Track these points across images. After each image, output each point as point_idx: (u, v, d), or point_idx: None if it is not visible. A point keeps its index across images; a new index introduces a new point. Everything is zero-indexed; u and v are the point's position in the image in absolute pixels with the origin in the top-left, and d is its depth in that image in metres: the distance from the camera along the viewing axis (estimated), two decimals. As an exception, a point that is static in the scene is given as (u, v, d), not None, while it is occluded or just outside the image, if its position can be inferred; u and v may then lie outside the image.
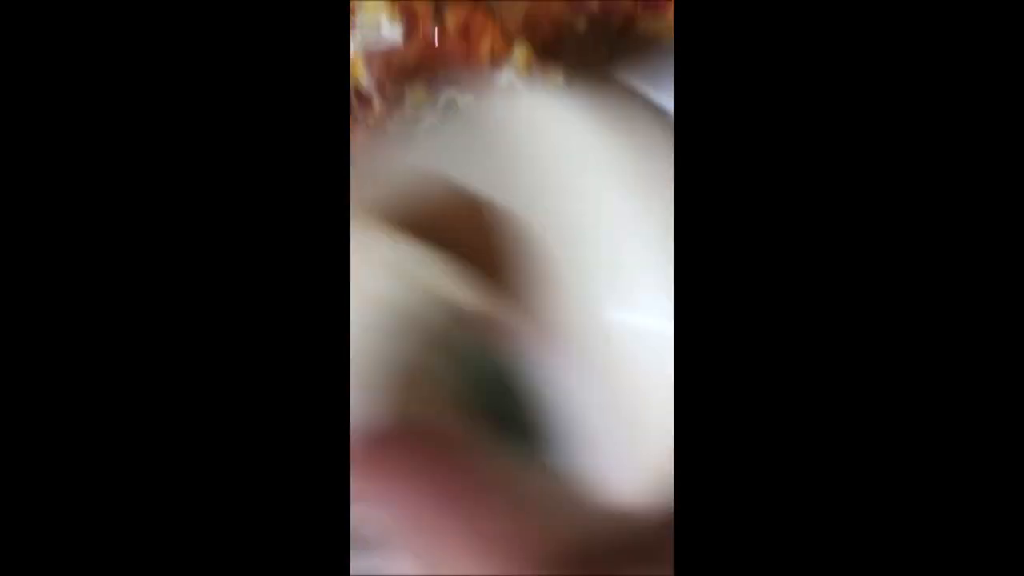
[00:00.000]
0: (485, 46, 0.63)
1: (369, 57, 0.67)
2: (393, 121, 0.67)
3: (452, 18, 0.64)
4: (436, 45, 0.65)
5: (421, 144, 0.56)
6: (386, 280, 0.40)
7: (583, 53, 0.58)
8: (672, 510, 0.29)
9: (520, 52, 0.61)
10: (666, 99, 0.47)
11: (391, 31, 0.67)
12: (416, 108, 0.65)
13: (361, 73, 0.68)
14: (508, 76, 0.61)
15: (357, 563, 0.33)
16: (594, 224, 0.38)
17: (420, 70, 0.66)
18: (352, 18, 0.65)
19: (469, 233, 0.38)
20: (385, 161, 0.52)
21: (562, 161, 0.44)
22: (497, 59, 0.62)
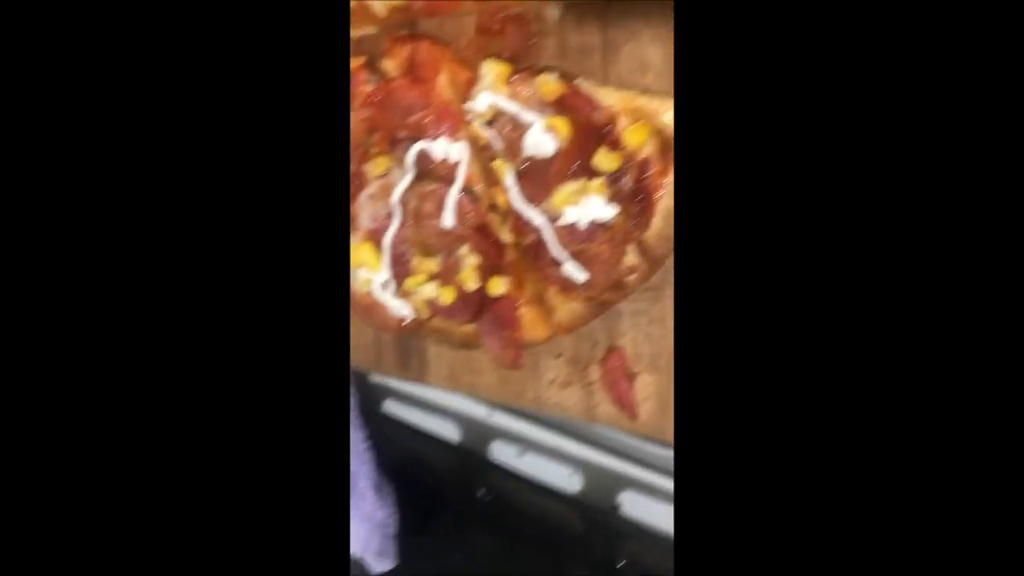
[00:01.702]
0: (443, 80, 0.53)
1: None
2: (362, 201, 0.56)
3: (391, 62, 0.54)
4: (379, 99, 0.54)
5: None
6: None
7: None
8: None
9: (491, 70, 0.50)
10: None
11: None
12: (383, 176, 0.55)
13: None
14: (486, 99, 0.50)
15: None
16: None
17: (373, 134, 0.55)
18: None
19: None
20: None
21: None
22: (463, 88, 0.52)
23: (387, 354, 0.67)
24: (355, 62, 0.57)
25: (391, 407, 0.83)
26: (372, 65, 0.57)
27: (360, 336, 0.67)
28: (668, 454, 0.66)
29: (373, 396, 0.84)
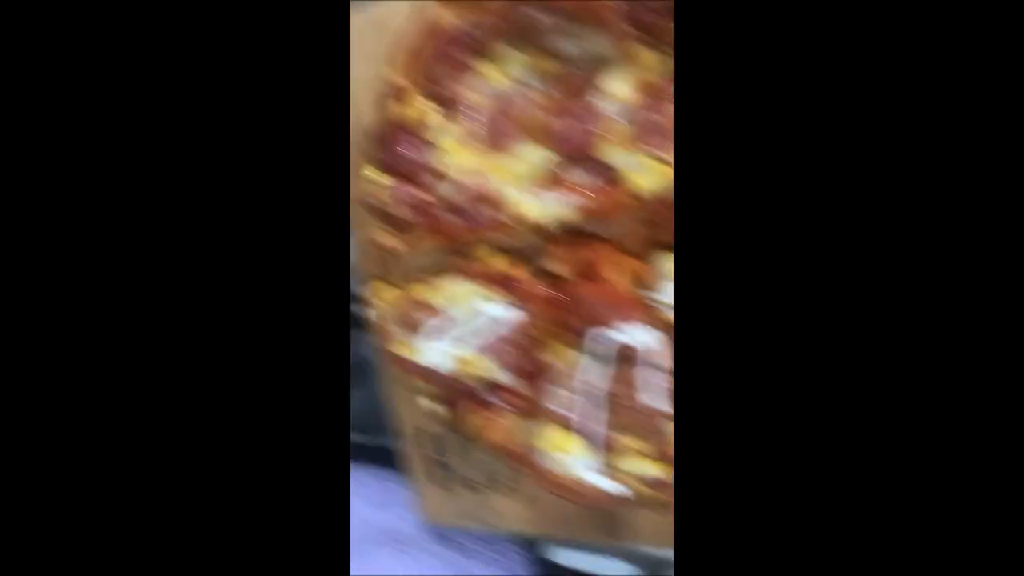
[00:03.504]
0: (623, 277, 0.54)
1: (490, 350, 0.58)
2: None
3: (560, 264, 0.56)
4: (558, 300, 0.55)
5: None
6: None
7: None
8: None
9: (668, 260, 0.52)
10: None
11: (499, 310, 0.58)
12: (573, 368, 0.56)
13: (484, 369, 0.58)
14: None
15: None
16: None
17: (559, 334, 0.57)
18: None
19: None
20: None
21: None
22: (641, 279, 0.54)
23: (584, 521, 0.65)
24: (519, 270, 0.57)
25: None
26: (537, 269, 0.57)
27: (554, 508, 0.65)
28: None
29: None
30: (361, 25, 0.58)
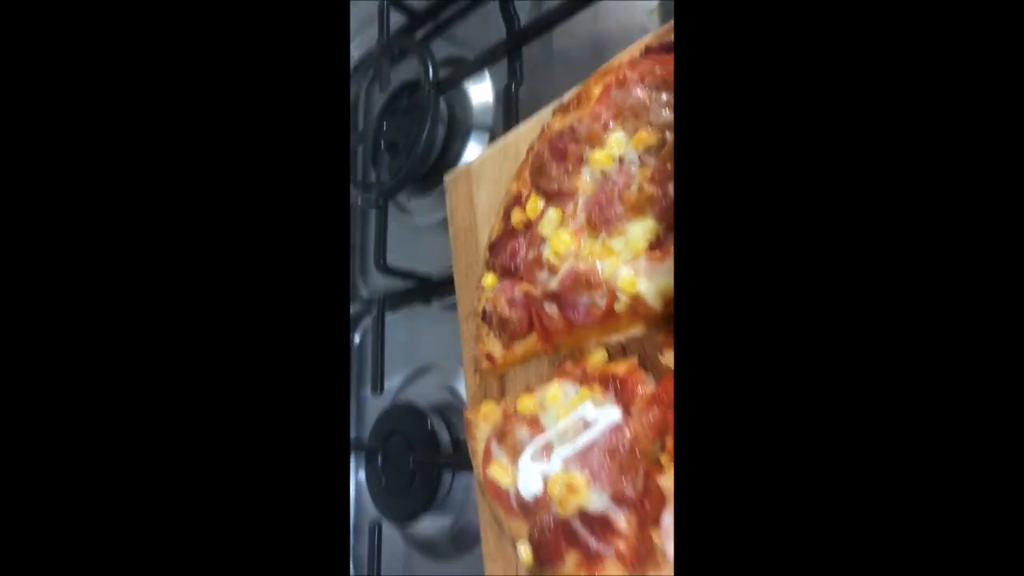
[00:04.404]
0: None
1: (592, 468, 0.49)
2: None
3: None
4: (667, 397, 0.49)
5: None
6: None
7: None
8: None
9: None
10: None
11: (602, 413, 0.50)
12: None
13: (584, 497, 0.49)
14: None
15: None
16: None
17: (664, 436, 0.48)
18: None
19: None
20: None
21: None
22: None
23: None
24: (628, 364, 0.51)
25: None
26: (646, 365, 0.50)
27: None
28: None
29: None
30: (486, 157, 0.64)
